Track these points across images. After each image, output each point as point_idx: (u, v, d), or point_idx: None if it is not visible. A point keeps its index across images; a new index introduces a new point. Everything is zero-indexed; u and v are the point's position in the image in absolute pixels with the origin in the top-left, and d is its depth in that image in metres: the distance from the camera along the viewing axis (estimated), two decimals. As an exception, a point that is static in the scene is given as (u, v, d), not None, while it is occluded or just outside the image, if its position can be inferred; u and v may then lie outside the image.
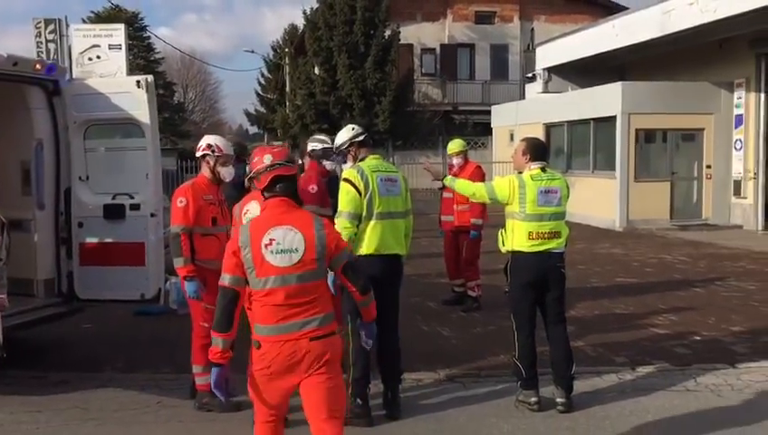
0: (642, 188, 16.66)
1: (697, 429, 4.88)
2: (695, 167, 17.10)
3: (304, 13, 28.60)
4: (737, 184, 16.62)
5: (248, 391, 3.47)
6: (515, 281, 5.14)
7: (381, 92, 27.13)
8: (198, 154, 5.31)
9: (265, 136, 42.73)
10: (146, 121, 6.30)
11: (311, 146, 6.58)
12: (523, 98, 25.10)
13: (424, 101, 30.26)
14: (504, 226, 5.23)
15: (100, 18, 37.08)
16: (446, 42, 31.15)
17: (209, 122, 63.22)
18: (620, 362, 6.36)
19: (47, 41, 18.19)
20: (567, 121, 19.24)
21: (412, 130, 27.62)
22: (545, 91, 21.39)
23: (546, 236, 5.03)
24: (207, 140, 5.35)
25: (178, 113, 46.74)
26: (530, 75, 23.44)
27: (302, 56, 29.31)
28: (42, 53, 18.28)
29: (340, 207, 4.99)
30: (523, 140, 5.37)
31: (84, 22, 33.82)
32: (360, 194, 4.93)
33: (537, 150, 5.17)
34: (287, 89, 32.27)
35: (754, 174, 16.21)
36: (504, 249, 5.20)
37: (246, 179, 4.00)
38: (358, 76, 26.96)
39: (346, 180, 5.01)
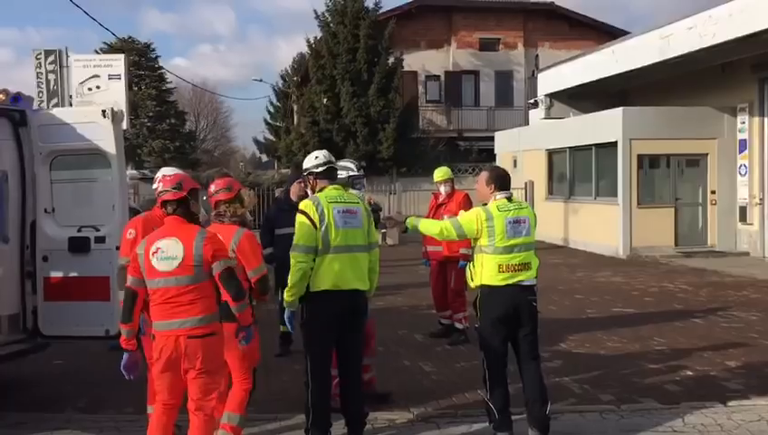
0: (646, 214, 16.36)
1: (680, 475, 4.58)
2: (699, 192, 16.77)
3: (308, 41, 28.70)
4: (743, 210, 16.27)
5: None
6: (485, 316, 4.88)
7: (385, 120, 27.09)
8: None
9: (275, 164, 42.75)
10: (112, 151, 6.13)
11: (339, 173, 6.28)
12: (528, 124, 24.94)
13: (429, 128, 30.20)
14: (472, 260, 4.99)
15: (112, 49, 37.29)
16: (451, 69, 31.13)
17: (221, 150, 63.62)
18: (606, 399, 6.06)
19: (47, 72, 18.28)
20: (569, 147, 19.03)
21: (416, 156, 27.49)
22: (547, 117, 21.19)
23: (516, 268, 4.78)
24: (161, 172, 5.14)
25: (189, 142, 46.83)
26: (532, 101, 23.28)
27: (306, 85, 29.36)
28: (42, 83, 18.36)
29: (294, 240, 4.76)
30: (486, 169, 5.15)
31: (97, 53, 33.96)
32: (315, 226, 4.69)
33: (502, 180, 4.96)
34: (294, 117, 32.33)
35: (760, 199, 15.86)
36: (473, 284, 4.95)
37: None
38: (361, 104, 26.94)
39: (301, 212, 4.78)
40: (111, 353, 7.40)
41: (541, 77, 22.57)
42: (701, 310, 9.98)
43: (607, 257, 16.18)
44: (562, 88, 20.55)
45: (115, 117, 6.15)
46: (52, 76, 17.94)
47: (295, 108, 32.27)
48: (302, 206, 4.82)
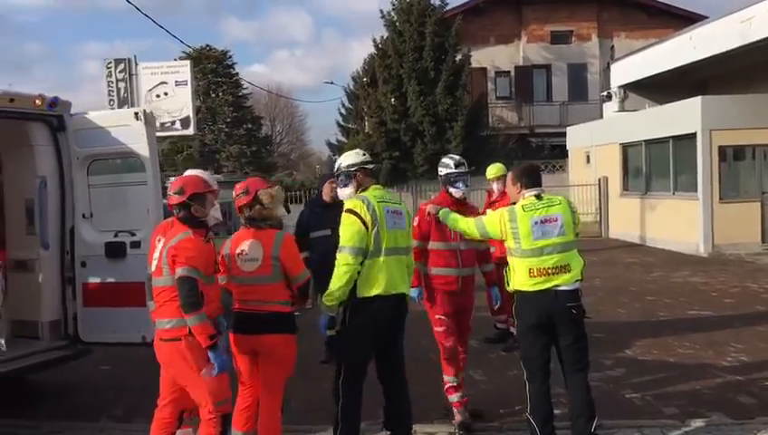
0: (729, 209, 15.31)
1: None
2: (788, 184, 15.61)
3: (374, 41, 28.52)
4: (836, 202, 15.04)
5: None
6: (521, 324, 4.48)
7: (453, 118, 26.57)
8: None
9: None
10: (146, 154, 6.05)
11: (439, 170, 5.78)
12: (602, 118, 23.98)
13: (499, 125, 29.46)
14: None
15: (191, 57, 38.23)
16: (521, 63, 30.29)
17: (297, 153, 64.46)
18: (669, 413, 5.53)
19: (117, 80, 18.75)
20: (644, 141, 18.07)
21: (486, 154, 26.84)
22: (621, 109, 20.26)
23: (550, 271, 4.34)
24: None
25: (265, 146, 47.53)
26: (605, 94, 22.33)
27: (374, 85, 29.20)
28: (112, 91, 18.85)
29: (342, 242, 4.44)
30: (513, 168, 4.74)
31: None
32: (367, 227, 4.38)
33: (529, 176, 4.54)
34: (364, 118, 32.26)
35: None
36: (509, 289, 4.55)
37: None
38: (429, 102, 26.53)
39: (350, 211, 4.45)
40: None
41: (614, 68, 21.65)
42: (787, 312, 9.18)
43: (686, 256, 15.24)
44: (637, 79, 19.62)
45: (148, 119, 6.04)
46: (122, 84, 18.39)
47: (365, 109, 32.19)
48: (350, 205, 4.49)
